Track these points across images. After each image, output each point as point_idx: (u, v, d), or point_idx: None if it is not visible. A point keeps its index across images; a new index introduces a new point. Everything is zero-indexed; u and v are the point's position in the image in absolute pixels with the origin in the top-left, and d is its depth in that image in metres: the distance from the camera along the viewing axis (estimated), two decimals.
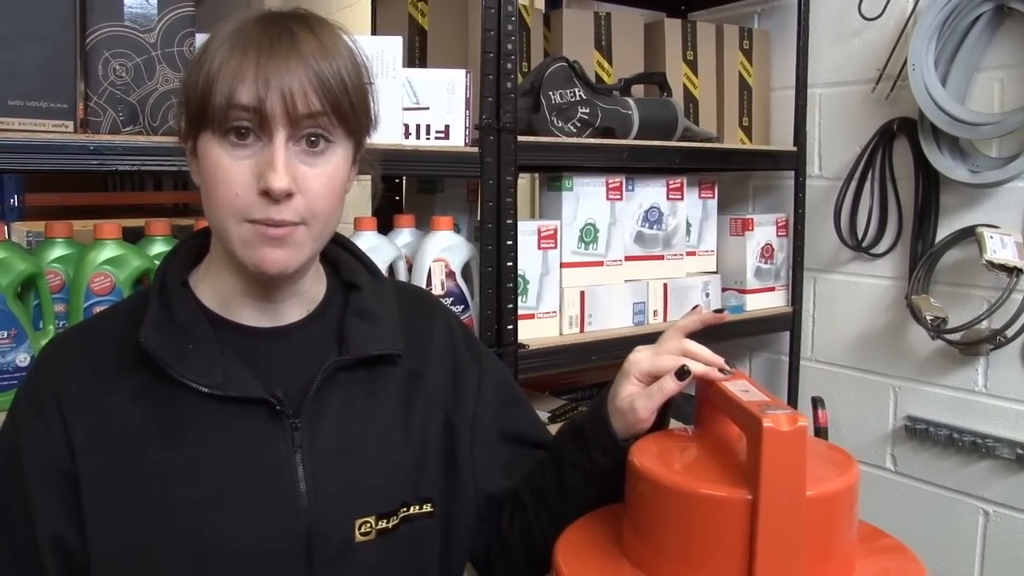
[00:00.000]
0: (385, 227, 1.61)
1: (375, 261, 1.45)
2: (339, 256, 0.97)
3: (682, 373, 0.84)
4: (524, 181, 2.09)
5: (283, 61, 0.78)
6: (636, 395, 0.86)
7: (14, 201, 3.26)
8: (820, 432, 1.89)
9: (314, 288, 0.92)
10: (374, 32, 1.88)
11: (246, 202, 0.78)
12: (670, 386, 0.84)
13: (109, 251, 1.23)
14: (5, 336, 1.15)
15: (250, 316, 0.88)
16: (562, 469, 0.92)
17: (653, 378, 0.86)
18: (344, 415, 0.87)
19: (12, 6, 1.08)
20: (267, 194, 0.77)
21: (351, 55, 0.84)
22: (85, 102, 1.16)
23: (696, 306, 0.90)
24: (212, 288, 0.88)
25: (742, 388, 0.76)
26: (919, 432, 1.84)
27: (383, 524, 0.86)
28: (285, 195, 0.78)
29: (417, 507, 0.89)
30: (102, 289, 1.22)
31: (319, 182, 0.81)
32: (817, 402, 1.90)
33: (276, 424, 0.84)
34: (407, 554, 0.89)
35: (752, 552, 0.67)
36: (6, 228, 1.21)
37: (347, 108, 0.81)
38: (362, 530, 0.85)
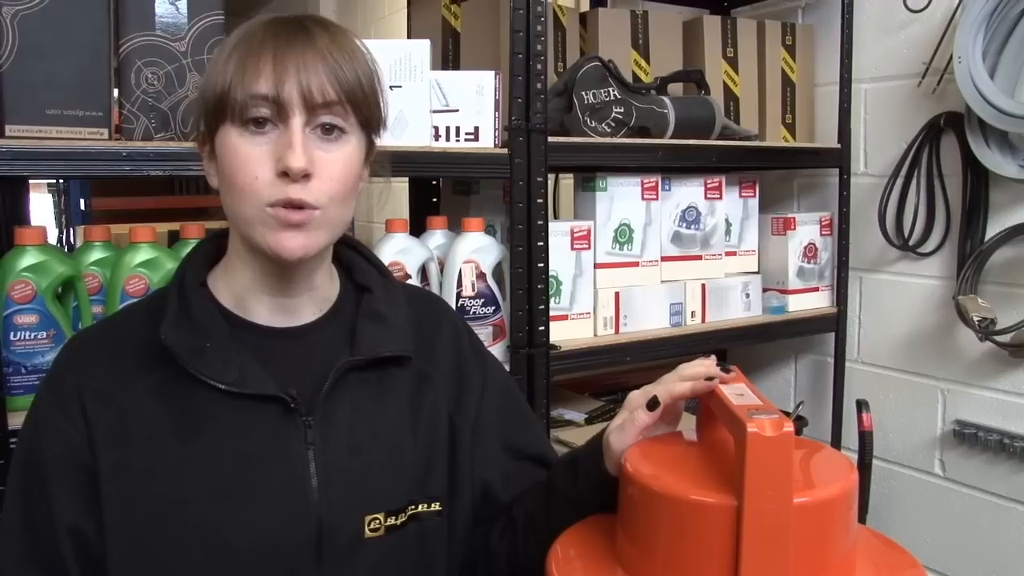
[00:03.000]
0: (419, 229, 1.62)
1: (406, 263, 1.48)
2: (352, 259, 0.99)
3: (652, 404, 0.84)
4: (569, 182, 2.08)
5: (299, 53, 0.81)
6: (612, 430, 0.86)
7: (81, 205, 3.39)
8: (865, 436, 1.84)
9: (328, 288, 0.95)
10: (409, 36, 1.90)
11: (265, 184, 0.80)
12: (642, 418, 0.84)
13: (144, 254, 1.27)
14: (44, 336, 1.20)
15: (266, 316, 0.91)
16: (553, 500, 0.93)
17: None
18: (355, 414, 0.89)
19: (50, 19, 1.13)
20: (285, 175, 0.80)
21: (362, 53, 0.87)
22: (119, 110, 1.20)
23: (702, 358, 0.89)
24: (229, 288, 0.91)
25: (737, 392, 0.74)
26: (968, 437, 1.78)
27: (392, 521, 0.88)
28: (302, 175, 0.80)
29: (425, 505, 0.91)
30: (137, 291, 1.25)
31: (335, 167, 0.83)
32: (862, 405, 1.86)
33: (289, 421, 0.86)
34: (415, 551, 0.90)
35: (737, 559, 0.66)
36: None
37: (360, 99, 0.85)
38: (371, 526, 0.87)
